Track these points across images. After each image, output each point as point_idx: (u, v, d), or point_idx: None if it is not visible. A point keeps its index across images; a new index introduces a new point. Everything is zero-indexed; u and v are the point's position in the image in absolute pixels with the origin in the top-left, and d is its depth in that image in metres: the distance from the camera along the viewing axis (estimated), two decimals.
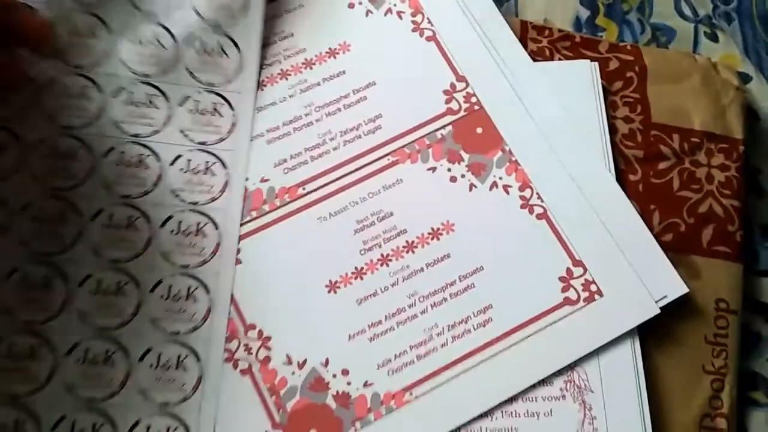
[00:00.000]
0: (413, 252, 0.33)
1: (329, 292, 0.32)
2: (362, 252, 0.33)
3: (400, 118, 0.35)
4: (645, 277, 0.32)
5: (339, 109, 0.36)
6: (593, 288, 0.32)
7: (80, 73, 0.33)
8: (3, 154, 0.32)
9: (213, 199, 0.33)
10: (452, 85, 0.36)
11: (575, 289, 0.32)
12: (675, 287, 0.32)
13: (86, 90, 0.33)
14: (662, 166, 0.36)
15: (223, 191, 0.33)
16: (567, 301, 0.32)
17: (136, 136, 0.33)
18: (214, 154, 0.33)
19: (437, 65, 0.36)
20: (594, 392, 0.31)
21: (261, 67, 0.36)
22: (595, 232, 0.33)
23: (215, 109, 0.34)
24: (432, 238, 0.33)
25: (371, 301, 0.32)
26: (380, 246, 0.33)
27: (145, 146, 0.33)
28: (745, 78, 0.40)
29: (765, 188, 0.39)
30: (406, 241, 0.33)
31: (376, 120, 0.35)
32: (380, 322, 0.32)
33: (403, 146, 0.35)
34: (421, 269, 0.33)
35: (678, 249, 0.34)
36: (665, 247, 0.33)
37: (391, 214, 0.34)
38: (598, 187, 0.34)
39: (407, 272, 0.33)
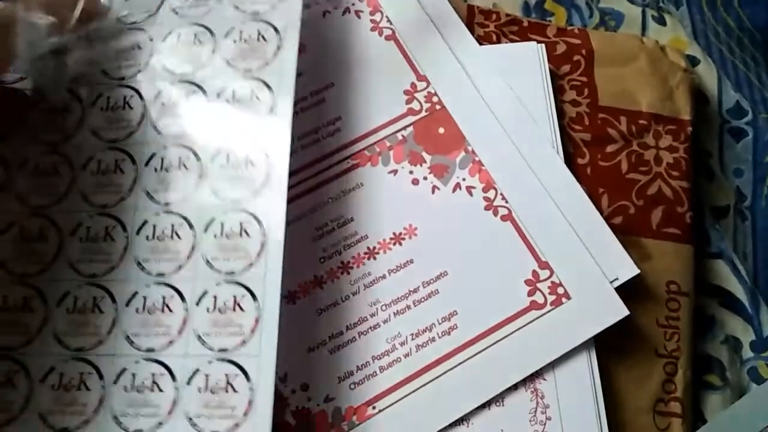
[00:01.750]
0: (375, 258, 0.32)
1: (288, 303, 0.31)
2: (322, 260, 0.32)
3: (360, 120, 0.34)
4: (598, 263, 0.31)
5: (296, 113, 0.34)
6: (560, 291, 0.31)
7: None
8: None
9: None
10: (413, 85, 0.35)
11: (542, 293, 0.31)
12: (626, 269, 0.31)
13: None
14: (610, 149, 0.36)
15: None
16: (534, 305, 0.31)
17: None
18: None
19: (397, 65, 0.35)
20: (546, 380, 0.30)
21: None
22: (561, 233, 0.32)
23: None
24: (394, 244, 0.32)
25: (332, 311, 0.31)
26: (340, 253, 0.32)
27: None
28: (693, 61, 0.40)
29: (715, 171, 0.39)
30: (368, 248, 0.32)
31: (335, 122, 0.34)
32: (341, 332, 0.31)
33: (364, 149, 0.34)
34: (383, 276, 0.32)
35: (627, 232, 0.34)
36: (615, 229, 0.32)
37: (352, 219, 0.33)
38: (551, 174, 0.33)
39: (369, 279, 0.31)
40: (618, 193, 0.35)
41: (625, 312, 0.31)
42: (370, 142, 0.34)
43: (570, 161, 0.35)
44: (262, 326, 0.27)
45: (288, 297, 0.31)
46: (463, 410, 0.29)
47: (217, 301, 0.28)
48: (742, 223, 0.39)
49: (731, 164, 0.40)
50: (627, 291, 0.31)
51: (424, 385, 0.29)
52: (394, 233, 0.32)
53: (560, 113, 0.36)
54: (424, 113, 0.34)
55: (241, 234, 0.29)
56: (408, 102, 0.35)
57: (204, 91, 0.31)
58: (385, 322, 0.31)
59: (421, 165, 0.34)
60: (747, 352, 0.36)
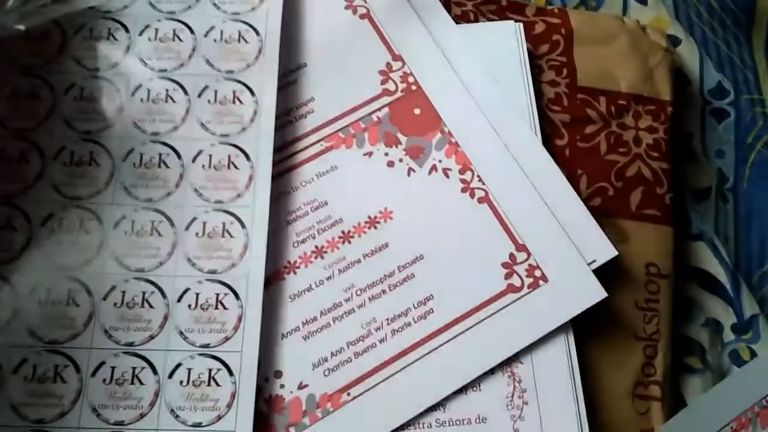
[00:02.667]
0: (349, 242, 0.31)
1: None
2: (295, 244, 0.31)
3: (334, 101, 0.33)
4: (576, 245, 0.31)
5: None
6: (537, 273, 0.31)
7: None
8: None
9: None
10: (388, 65, 0.34)
11: (519, 276, 0.31)
12: (604, 251, 0.31)
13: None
14: (589, 130, 0.35)
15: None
16: (511, 288, 0.30)
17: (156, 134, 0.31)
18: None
19: (372, 44, 0.34)
20: (523, 364, 0.30)
21: None
22: (538, 215, 0.32)
23: None
24: (369, 227, 0.31)
25: (305, 296, 0.30)
26: (314, 237, 0.31)
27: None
28: (675, 41, 0.40)
29: (697, 152, 0.39)
30: (342, 232, 0.31)
31: (308, 104, 0.33)
32: (315, 318, 0.30)
33: (338, 131, 0.33)
34: (358, 260, 0.31)
35: (606, 213, 0.33)
36: (593, 211, 0.32)
37: (326, 203, 0.32)
38: (529, 156, 0.32)
39: (343, 264, 0.31)
40: (597, 175, 0.34)
41: (603, 294, 0.30)
42: (344, 123, 0.33)
43: (548, 142, 0.34)
44: (245, 323, 0.28)
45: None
46: (440, 395, 0.29)
47: (199, 298, 0.28)
48: (723, 205, 0.39)
49: (713, 145, 0.40)
50: (605, 273, 0.31)
51: (399, 370, 0.29)
52: (369, 217, 0.32)
53: (538, 94, 0.35)
54: (399, 94, 0.34)
55: (223, 234, 0.29)
56: (383, 82, 0.34)
57: (184, 90, 0.31)
58: (359, 307, 0.30)
59: (396, 147, 0.33)
60: (728, 335, 0.35)
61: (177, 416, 0.27)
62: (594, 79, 0.36)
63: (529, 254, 0.31)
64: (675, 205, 0.35)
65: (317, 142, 0.33)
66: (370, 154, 0.33)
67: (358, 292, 0.30)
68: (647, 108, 0.36)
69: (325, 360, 0.29)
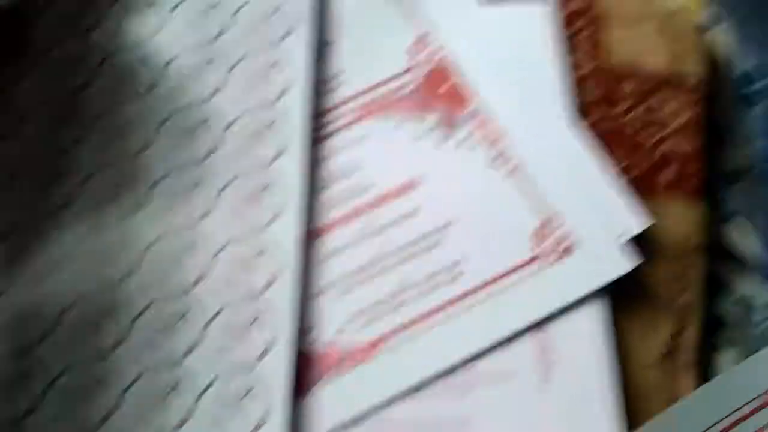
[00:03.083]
0: (378, 209, 0.32)
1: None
2: (328, 209, 0.32)
3: (365, 74, 0.34)
4: (607, 216, 0.31)
5: None
6: (566, 243, 0.31)
7: None
8: None
9: None
10: (418, 39, 0.35)
11: (547, 245, 0.31)
12: (636, 223, 0.31)
13: None
14: (618, 109, 0.35)
15: None
16: (539, 257, 0.31)
17: None
18: None
19: (402, 18, 0.35)
20: (552, 327, 0.30)
21: None
22: (568, 187, 0.32)
23: None
24: (399, 195, 0.32)
25: (337, 257, 0.31)
26: (346, 203, 0.32)
27: None
28: (709, 23, 0.40)
29: (729, 135, 0.39)
30: (373, 198, 0.32)
31: (340, 76, 0.34)
32: (347, 277, 0.31)
33: (368, 102, 0.34)
34: (387, 226, 0.32)
35: (636, 192, 0.33)
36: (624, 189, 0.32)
37: (357, 171, 0.33)
38: (558, 132, 0.33)
39: (372, 229, 0.32)
40: (625, 154, 0.34)
41: (633, 264, 0.30)
42: (375, 95, 0.34)
43: (577, 121, 0.34)
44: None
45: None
46: (467, 354, 0.29)
47: None
48: (755, 188, 0.38)
49: (745, 129, 0.39)
50: (636, 246, 0.31)
51: (429, 328, 0.30)
52: (399, 185, 0.32)
53: (567, 73, 0.35)
54: (430, 66, 0.34)
55: None
56: (414, 55, 0.35)
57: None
58: (390, 268, 0.31)
59: (426, 119, 0.34)
60: (759, 314, 0.35)
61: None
62: (624, 58, 0.36)
63: (559, 223, 0.31)
64: (708, 184, 0.35)
65: (349, 113, 0.34)
66: (399, 125, 0.34)
67: (388, 255, 0.31)
68: (677, 89, 0.36)
69: (357, 316, 0.30)
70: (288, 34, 0.33)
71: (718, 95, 0.39)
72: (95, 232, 0.29)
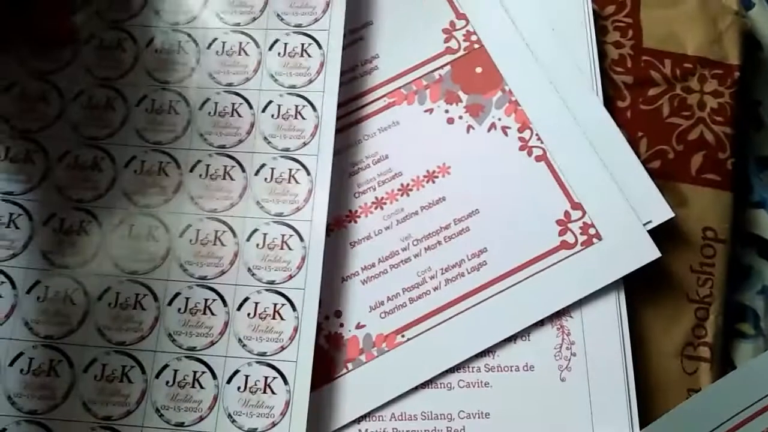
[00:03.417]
0: (408, 195, 0.32)
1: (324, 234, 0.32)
2: (356, 195, 0.33)
3: (398, 59, 0.34)
4: (633, 205, 0.31)
5: None
6: (592, 231, 0.31)
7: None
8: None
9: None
10: (452, 24, 0.35)
11: (573, 233, 0.31)
12: (661, 213, 0.31)
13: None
14: (652, 92, 0.35)
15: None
16: (564, 245, 0.31)
17: (229, 84, 0.33)
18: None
19: (437, 2, 0.35)
20: (573, 318, 0.30)
21: None
22: (595, 174, 0.32)
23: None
24: (427, 181, 0.33)
25: (365, 244, 0.32)
26: (375, 189, 0.33)
27: None
28: (747, 4, 0.39)
29: (764, 120, 0.38)
30: (401, 184, 0.33)
31: (373, 60, 0.34)
32: (373, 265, 0.31)
33: (400, 87, 0.34)
34: (416, 212, 0.32)
35: (666, 176, 0.33)
36: (653, 174, 0.32)
37: (387, 156, 0.33)
38: (589, 116, 0.33)
39: (401, 215, 0.32)
40: (658, 137, 0.34)
41: (656, 254, 0.30)
42: (407, 80, 0.34)
43: (610, 104, 0.34)
44: (308, 264, 0.30)
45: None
46: (489, 342, 0.30)
47: (266, 238, 0.30)
48: None
49: None
50: (661, 235, 0.31)
51: (452, 317, 0.30)
52: (427, 171, 0.33)
53: (602, 55, 0.35)
54: (462, 52, 0.34)
55: (290, 180, 0.31)
56: (446, 41, 0.35)
57: (256, 42, 0.33)
58: (416, 256, 0.31)
59: (456, 104, 0.34)
60: None
61: (244, 345, 0.29)
62: (660, 40, 0.36)
63: (584, 212, 0.32)
64: (737, 171, 0.35)
65: (380, 98, 0.34)
66: (430, 110, 0.34)
67: (415, 242, 0.32)
68: (713, 72, 0.35)
69: (382, 303, 0.31)
70: (321, 14, 0.33)
71: (754, 78, 0.38)
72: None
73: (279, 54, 0.33)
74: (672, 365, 0.32)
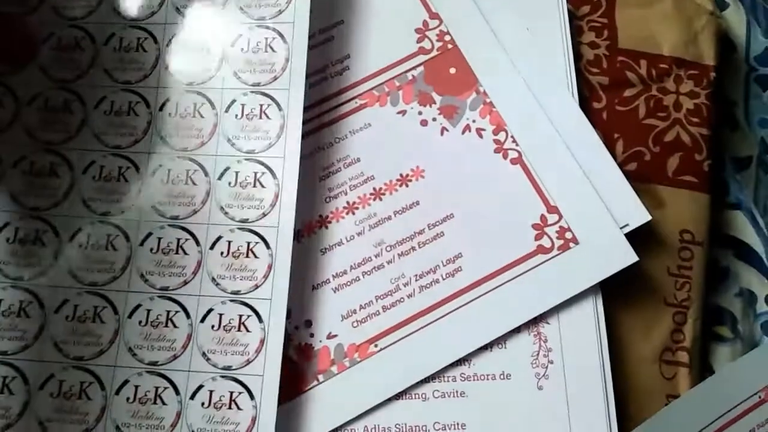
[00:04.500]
0: (381, 199, 0.32)
1: (293, 241, 0.31)
2: (327, 200, 0.32)
3: (370, 59, 0.33)
4: (609, 208, 0.31)
5: None
6: (568, 235, 0.31)
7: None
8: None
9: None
10: (425, 23, 0.34)
11: (549, 237, 0.31)
12: (638, 216, 0.31)
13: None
14: (628, 93, 0.35)
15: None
16: (540, 250, 0.30)
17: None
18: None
19: (409, 2, 0.34)
20: (550, 324, 0.30)
21: None
22: (571, 177, 0.31)
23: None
24: (401, 185, 0.32)
25: (336, 250, 0.31)
26: (346, 193, 0.32)
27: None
28: (721, 5, 0.39)
29: (739, 120, 0.38)
30: (374, 188, 0.32)
31: (344, 61, 0.34)
32: (345, 272, 0.30)
33: (372, 88, 0.33)
34: (389, 217, 0.31)
35: (642, 178, 0.33)
36: (629, 176, 0.32)
37: (358, 160, 0.32)
38: (565, 117, 0.32)
39: (374, 220, 0.31)
40: (634, 139, 0.34)
41: (634, 258, 0.30)
42: (379, 81, 0.33)
43: (586, 105, 0.34)
44: (275, 272, 0.28)
45: (293, 236, 0.31)
46: (464, 351, 0.29)
47: (231, 246, 0.29)
48: (764, 175, 0.38)
49: (756, 114, 0.39)
50: (638, 238, 0.31)
51: (426, 325, 0.29)
52: (400, 174, 0.32)
53: (578, 55, 0.34)
54: (435, 52, 0.33)
55: (255, 184, 0.30)
56: (419, 41, 0.34)
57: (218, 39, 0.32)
58: (389, 262, 0.31)
59: (430, 106, 0.33)
60: (761, 306, 0.35)
61: (208, 359, 0.28)
62: (635, 41, 0.35)
63: (560, 216, 0.31)
64: (714, 172, 0.35)
65: (352, 99, 0.33)
66: (403, 112, 0.33)
67: (388, 248, 0.31)
68: (689, 72, 0.35)
69: (354, 312, 0.30)
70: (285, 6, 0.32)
71: (729, 78, 0.38)
72: None
73: (242, 50, 0.31)
74: (651, 371, 0.31)
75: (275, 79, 0.31)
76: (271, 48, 0.31)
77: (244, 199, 0.30)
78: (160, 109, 0.31)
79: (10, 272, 0.29)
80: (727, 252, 0.36)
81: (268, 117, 0.31)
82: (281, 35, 0.31)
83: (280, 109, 0.31)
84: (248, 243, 0.29)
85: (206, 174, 0.30)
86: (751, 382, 0.29)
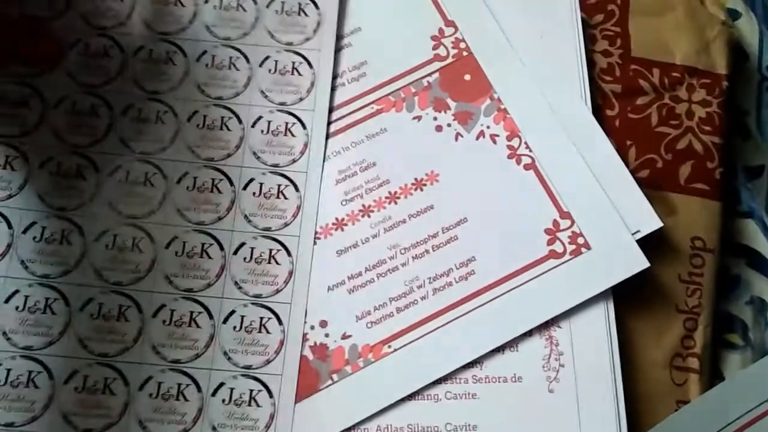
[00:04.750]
0: (396, 203, 0.32)
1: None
2: (343, 203, 0.32)
3: (386, 65, 0.34)
4: (621, 215, 0.31)
5: None
6: (580, 241, 0.31)
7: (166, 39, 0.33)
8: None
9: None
10: (440, 31, 0.35)
11: (561, 242, 0.31)
12: (649, 222, 0.31)
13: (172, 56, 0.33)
14: (641, 101, 0.35)
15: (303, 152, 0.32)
16: (552, 254, 0.31)
17: (219, 98, 0.33)
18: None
19: (425, 9, 0.35)
20: (562, 328, 0.30)
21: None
22: (584, 183, 0.32)
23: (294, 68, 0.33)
24: (415, 189, 0.32)
25: (351, 252, 0.31)
26: (362, 197, 0.32)
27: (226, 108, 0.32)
28: (734, 15, 0.39)
29: (751, 129, 0.38)
30: (389, 192, 0.32)
31: (361, 67, 0.34)
32: (360, 273, 0.31)
33: (388, 94, 0.34)
34: (404, 221, 0.32)
35: (654, 185, 0.33)
36: (641, 183, 0.32)
37: (374, 164, 0.33)
38: (578, 124, 0.33)
39: (389, 224, 0.32)
40: (646, 146, 0.34)
41: (645, 264, 0.30)
42: (395, 87, 0.34)
43: (599, 113, 0.34)
44: (295, 278, 0.30)
45: None
46: (477, 353, 0.29)
47: (253, 252, 0.30)
48: None
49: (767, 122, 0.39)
50: (649, 244, 0.31)
51: (439, 327, 0.30)
52: (415, 179, 0.32)
53: (591, 63, 0.35)
54: (450, 59, 0.34)
55: (278, 196, 0.31)
56: (435, 48, 0.34)
57: (246, 58, 0.33)
58: (403, 265, 0.31)
59: (445, 112, 0.33)
60: None
61: (229, 358, 0.29)
62: (648, 49, 0.36)
63: (572, 221, 0.31)
64: (725, 181, 0.35)
65: (368, 104, 0.34)
66: (419, 118, 0.33)
67: (402, 251, 0.31)
68: (702, 81, 0.35)
69: (368, 313, 0.30)
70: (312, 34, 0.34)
71: (742, 87, 0.38)
72: None
73: (270, 71, 0.33)
74: (661, 376, 0.32)
75: (300, 100, 0.32)
76: (298, 71, 0.33)
77: (267, 209, 0.31)
78: (188, 120, 0.32)
79: (36, 270, 0.29)
80: (739, 260, 0.36)
81: (292, 134, 0.32)
82: (307, 60, 0.33)
83: (304, 128, 0.32)
84: (270, 250, 0.30)
85: (231, 183, 0.31)
86: (762, 390, 0.29)
